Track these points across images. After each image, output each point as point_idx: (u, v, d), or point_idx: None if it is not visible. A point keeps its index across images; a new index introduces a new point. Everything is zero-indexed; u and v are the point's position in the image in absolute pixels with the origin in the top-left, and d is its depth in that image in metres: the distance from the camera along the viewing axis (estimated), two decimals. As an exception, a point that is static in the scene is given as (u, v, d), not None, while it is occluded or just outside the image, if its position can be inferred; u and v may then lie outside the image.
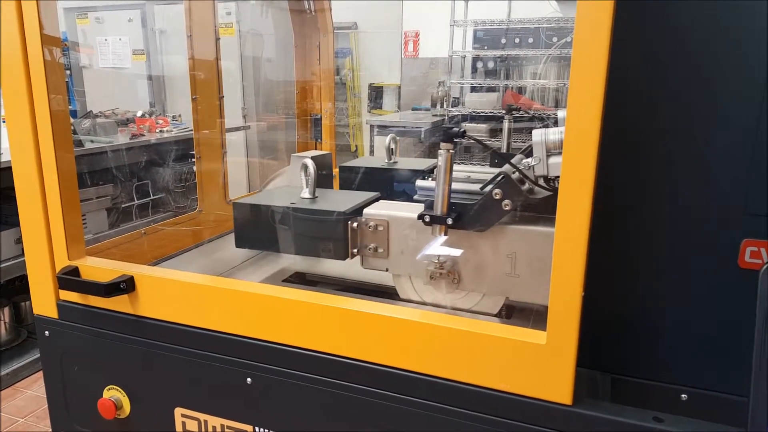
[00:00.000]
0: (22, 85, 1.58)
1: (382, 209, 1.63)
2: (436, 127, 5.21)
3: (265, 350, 1.48)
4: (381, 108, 7.30)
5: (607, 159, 1.10)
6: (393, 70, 6.91)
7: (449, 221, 1.45)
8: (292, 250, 1.71)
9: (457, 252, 1.53)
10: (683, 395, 1.28)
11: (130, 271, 1.61)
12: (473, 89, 5.84)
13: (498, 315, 1.61)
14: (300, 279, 1.98)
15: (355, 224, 1.61)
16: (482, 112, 5.46)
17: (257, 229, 1.74)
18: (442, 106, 5.63)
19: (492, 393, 1.26)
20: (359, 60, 7.41)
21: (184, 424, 1.64)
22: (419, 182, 1.72)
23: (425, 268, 1.56)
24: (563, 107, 1.26)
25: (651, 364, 1.31)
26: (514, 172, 1.43)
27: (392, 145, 2.17)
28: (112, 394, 1.72)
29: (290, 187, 1.99)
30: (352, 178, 2.13)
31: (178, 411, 1.64)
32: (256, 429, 1.54)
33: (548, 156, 1.37)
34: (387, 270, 1.63)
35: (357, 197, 1.75)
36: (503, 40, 5.67)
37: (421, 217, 1.49)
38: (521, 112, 3.74)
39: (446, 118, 5.53)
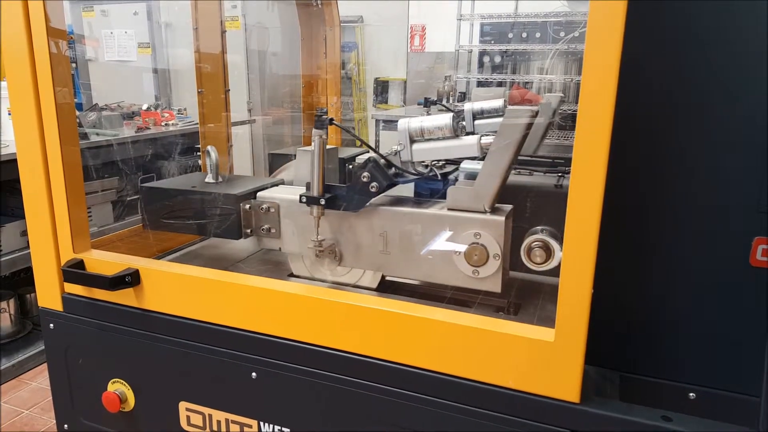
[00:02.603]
0: (28, 77, 1.57)
1: (274, 192, 1.76)
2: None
3: (270, 345, 1.47)
4: (386, 102, 7.28)
5: (619, 155, 1.09)
6: (399, 64, 6.88)
7: (322, 202, 1.55)
8: (192, 231, 1.84)
9: (334, 231, 1.64)
10: (691, 394, 1.27)
11: (135, 265, 1.61)
12: (479, 84, 5.81)
13: (505, 312, 1.60)
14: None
15: (247, 206, 1.73)
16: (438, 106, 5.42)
17: (162, 211, 1.85)
18: (448, 101, 5.60)
19: (499, 390, 1.25)
20: (365, 54, 7.38)
21: (188, 418, 1.64)
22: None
23: (308, 247, 1.66)
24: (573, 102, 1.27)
25: (660, 363, 1.29)
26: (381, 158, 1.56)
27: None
28: (117, 387, 1.72)
29: (201, 173, 2.16)
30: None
31: (183, 405, 1.64)
32: (261, 424, 1.54)
33: (412, 143, 1.54)
34: (280, 249, 1.75)
35: (257, 182, 1.88)
36: (510, 35, 5.64)
37: (300, 198, 1.60)
38: (440, 104, 3.94)
39: (452, 112, 5.51)
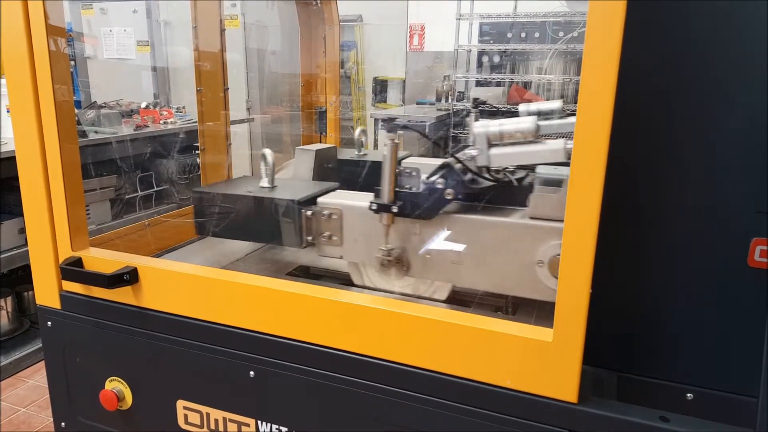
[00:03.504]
0: (26, 75, 1.57)
1: (336, 198, 1.67)
2: (441, 122, 5.19)
3: (268, 344, 1.47)
4: (385, 102, 7.27)
5: (617, 156, 1.09)
6: (398, 63, 6.88)
7: (394, 209, 1.49)
8: (249, 237, 1.78)
9: (402, 240, 1.57)
10: (689, 394, 1.27)
11: (133, 263, 1.61)
12: (478, 83, 5.81)
13: (503, 311, 1.60)
14: (304, 273, 1.97)
15: (309, 212, 1.65)
16: (487, 107, 5.43)
17: (216, 216, 1.79)
18: (446, 101, 5.60)
19: (497, 390, 1.25)
20: (364, 53, 7.38)
21: (186, 416, 1.64)
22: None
23: (375, 255, 1.60)
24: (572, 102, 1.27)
25: (657, 363, 1.30)
26: (457, 163, 1.47)
27: (362, 138, 2.32)
28: (115, 385, 1.72)
29: (251, 177, 2.05)
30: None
31: (180, 403, 1.64)
32: (258, 423, 1.54)
33: (489, 147, 1.43)
34: (341, 257, 1.67)
35: (315, 187, 1.79)
36: (509, 35, 5.64)
37: (370, 205, 1.53)
38: (487, 106, 3.82)
39: (451, 112, 5.51)
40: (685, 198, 1.22)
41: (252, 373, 1.50)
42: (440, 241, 1.52)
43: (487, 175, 1.50)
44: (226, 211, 1.77)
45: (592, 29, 1.03)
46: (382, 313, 1.34)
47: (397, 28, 6.73)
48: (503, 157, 1.45)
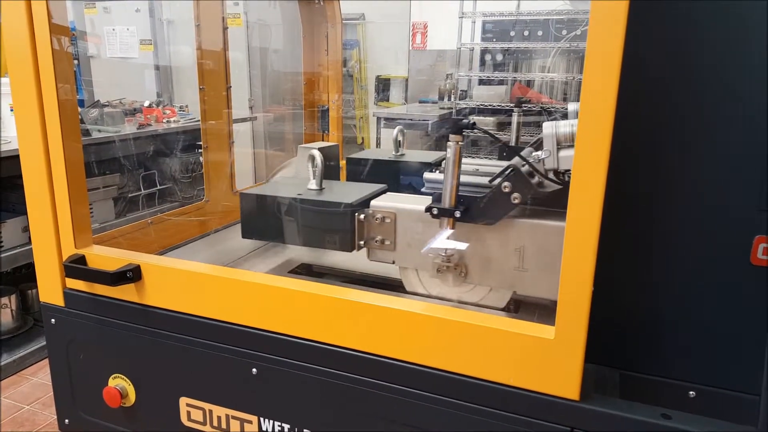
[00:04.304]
0: (30, 74, 1.58)
1: (390, 201, 1.62)
2: (444, 120, 5.18)
3: (271, 341, 1.48)
4: (388, 100, 7.27)
5: (620, 154, 1.09)
6: (400, 61, 6.88)
7: (457, 214, 1.44)
8: (298, 241, 1.71)
9: (464, 245, 1.51)
10: (691, 392, 1.27)
11: (136, 260, 1.61)
12: (481, 82, 5.80)
13: (505, 309, 1.60)
14: (306, 270, 1.98)
15: (362, 216, 1.60)
16: (490, 105, 5.43)
17: (264, 219, 1.74)
18: (449, 99, 5.60)
19: (499, 387, 1.25)
20: (366, 51, 7.38)
21: (189, 413, 1.64)
22: (427, 175, 1.71)
23: (432, 261, 1.55)
24: (575, 101, 1.25)
25: (660, 361, 1.30)
26: (523, 165, 1.41)
27: (400, 137, 2.18)
28: (118, 382, 1.72)
29: (297, 178, 1.98)
30: (360, 170, 2.12)
31: (183, 400, 1.64)
32: (261, 420, 1.54)
33: (558, 149, 1.36)
34: (393, 262, 1.62)
35: (364, 189, 1.75)
36: (512, 33, 5.63)
37: (428, 209, 1.48)
38: (530, 105, 3.69)
39: (453, 110, 5.51)
40: (688, 196, 1.22)
41: (255, 370, 1.51)
42: (503, 247, 1.47)
43: (554, 178, 1.41)
44: (273, 214, 1.72)
45: (594, 27, 1.03)
46: (384, 311, 1.35)
47: (399, 27, 6.73)
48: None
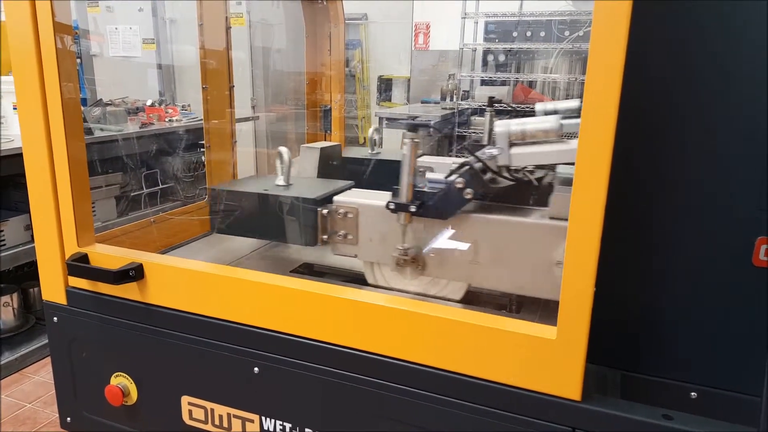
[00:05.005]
0: (34, 72, 1.58)
1: (353, 197, 1.67)
2: (446, 120, 5.18)
3: (273, 340, 1.48)
4: (390, 100, 7.28)
5: (622, 154, 1.09)
6: (403, 62, 6.88)
7: (412, 209, 1.47)
8: (264, 235, 1.77)
9: (418, 239, 1.56)
10: (693, 393, 1.28)
11: (139, 259, 1.61)
12: (483, 82, 5.80)
13: (506, 309, 1.60)
14: (308, 270, 1.98)
15: (325, 211, 1.64)
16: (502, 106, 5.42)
17: (232, 215, 1.79)
18: (451, 99, 5.60)
19: (501, 387, 1.25)
20: (369, 52, 7.38)
21: (190, 412, 1.65)
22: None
23: (391, 255, 1.59)
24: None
25: (661, 362, 1.30)
26: (477, 162, 1.46)
27: (375, 137, 2.30)
28: (120, 381, 1.73)
29: (267, 176, 2.05)
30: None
31: (185, 399, 1.64)
32: (263, 419, 1.55)
33: (510, 146, 1.42)
34: (356, 256, 1.66)
35: (331, 185, 1.79)
36: (514, 34, 5.63)
37: (387, 204, 1.52)
38: (503, 105, 3.76)
39: (456, 111, 5.51)
40: (691, 197, 1.22)
41: (256, 369, 1.51)
42: (458, 240, 1.50)
43: (506, 175, 1.48)
44: (241, 209, 1.77)
45: (597, 28, 1.03)
46: (387, 311, 1.35)
47: (402, 27, 6.74)
48: (525, 156, 1.44)
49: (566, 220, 1.30)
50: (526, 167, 1.54)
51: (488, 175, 1.47)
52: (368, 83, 7.41)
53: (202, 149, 2.59)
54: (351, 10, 6.49)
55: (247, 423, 1.57)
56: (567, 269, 1.14)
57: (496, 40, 5.77)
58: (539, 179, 1.55)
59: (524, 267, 1.44)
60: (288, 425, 1.52)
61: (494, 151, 1.43)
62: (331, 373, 1.43)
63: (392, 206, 1.50)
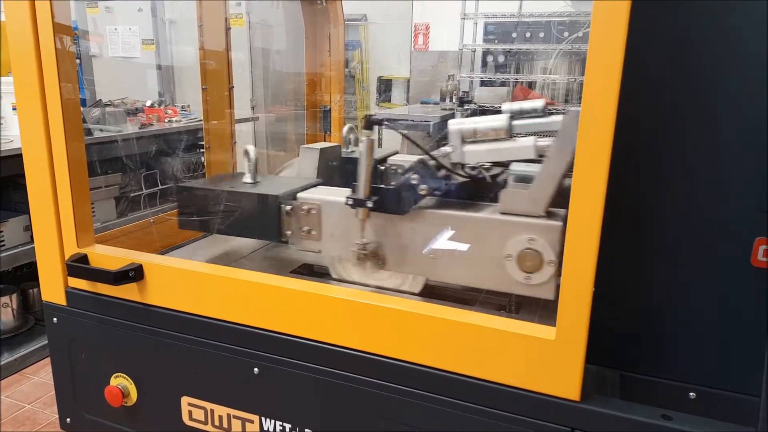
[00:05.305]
0: (33, 73, 1.58)
1: (315, 193, 1.70)
2: (445, 121, 5.18)
3: (273, 341, 1.48)
4: (389, 101, 7.28)
5: (621, 155, 1.09)
6: (402, 62, 6.89)
7: (369, 204, 1.50)
8: (229, 231, 1.78)
9: (378, 234, 1.59)
10: (692, 393, 1.28)
11: (138, 260, 1.61)
12: (483, 83, 5.81)
13: (506, 310, 1.60)
14: (308, 270, 1.98)
15: (288, 207, 1.67)
16: (491, 107, 5.43)
17: (199, 212, 1.81)
18: (451, 100, 5.60)
19: (500, 388, 1.25)
20: (369, 52, 7.38)
21: (190, 412, 1.65)
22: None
23: (350, 250, 1.62)
24: (577, 102, 1.27)
25: (660, 362, 1.30)
26: (431, 160, 1.51)
27: (350, 136, 2.32)
28: (120, 381, 1.73)
29: (237, 174, 2.09)
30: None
31: (185, 400, 1.65)
32: (263, 419, 1.55)
33: (463, 144, 1.49)
34: (320, 251, 1.69)
35: (298, 183, 1.81)
36: (514, 34, 5.64)
37: (346, 200, 1.55)
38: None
39: (455, 111, 5.51)
40: (689, 198, 1.22)
41: (256, 369, 1.51)
42: (415, 236, 1.55)
43: (461, 172, 1.54)
44: (207, 207, 1.80)
45: (596, 29, 1.04)
46: (386, 311, 1.35)
47: (401, 28, 6.74)
48: (476, 154, 1.50)
49: (516, 215, 1.38)
50: (483, 165, 1.60)
51: (442, 172, 1.53)
52: (368, 84, 7.41)
53: (201, 150, 2.59)
54: (350, 10, 6.49)
55: (247, 423, 1.57)
56: (566, 269, 1.14)
57: (496, 41, 5.78)
58: (494, 176, 1.60)
59: (477, 260, 1.48)
60: (288, 425, 1.52)
61: (448, 149, 1.50)
62: (330, 373, 1.43)
63: (350, 202, 1.54)
